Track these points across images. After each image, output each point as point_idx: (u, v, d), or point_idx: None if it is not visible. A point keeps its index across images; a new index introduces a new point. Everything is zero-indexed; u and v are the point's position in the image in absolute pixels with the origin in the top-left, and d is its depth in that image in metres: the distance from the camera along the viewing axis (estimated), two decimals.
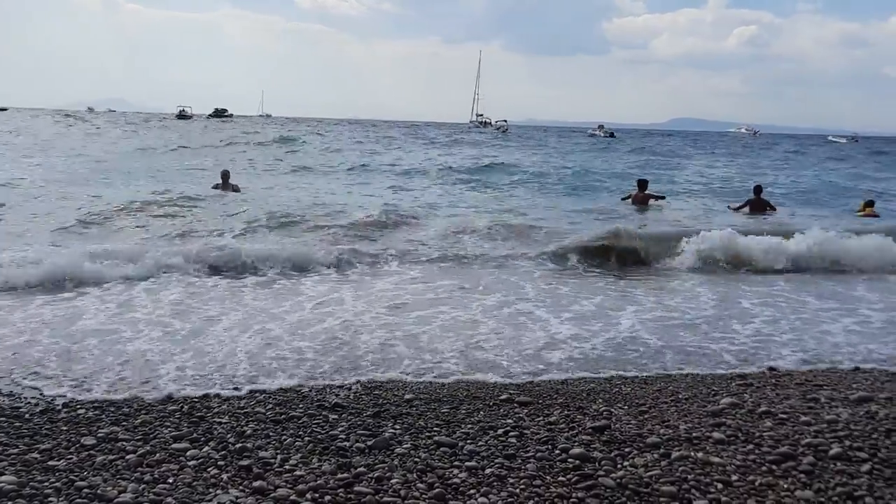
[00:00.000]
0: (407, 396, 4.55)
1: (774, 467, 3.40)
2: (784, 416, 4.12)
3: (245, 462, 3.48)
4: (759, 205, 15.74)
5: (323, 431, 3.89)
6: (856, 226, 12.62)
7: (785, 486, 3.20)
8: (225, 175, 16.61)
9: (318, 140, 46.40)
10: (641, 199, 16.41)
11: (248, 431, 3.90)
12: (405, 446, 3.70)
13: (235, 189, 16.40)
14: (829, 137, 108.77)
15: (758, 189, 16.35)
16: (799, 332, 6.49)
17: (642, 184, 17.00)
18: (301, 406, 4.35)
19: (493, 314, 6.90)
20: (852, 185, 25.94)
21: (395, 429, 3.95)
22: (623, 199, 17.20)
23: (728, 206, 16.90)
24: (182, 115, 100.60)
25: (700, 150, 55.50)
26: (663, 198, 16.88)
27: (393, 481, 3.28)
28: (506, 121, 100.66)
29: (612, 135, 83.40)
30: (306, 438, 3.79)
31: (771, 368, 5.40)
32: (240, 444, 3.69)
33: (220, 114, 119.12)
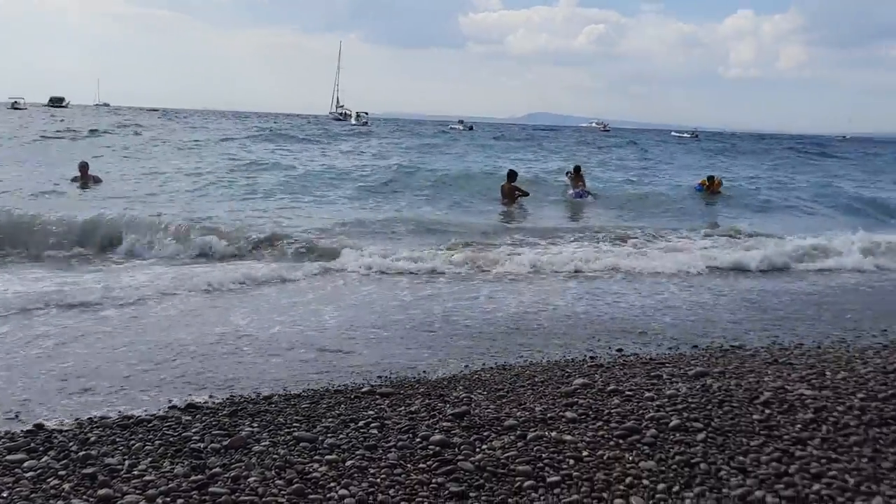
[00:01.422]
0: (265, 393, 4.45)
1: (621, 441, 3.58)
2: (630, 393, 4.36)
3: (89, 470, 3.27)
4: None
5: (175, 434, 3.73)
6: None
7: (630, 458, 3.39)
8: (84, 167, 16.27)
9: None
10: (508, 190, 16.77)
11: (93, 438, 3.68)
12: (263, 444, 3.60)
13: (97, 180, 16.26)
14: (673, 133, 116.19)
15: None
16: None
17: (511, 174, 17.38)
18: (151, 408, 4.16)
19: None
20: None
21: (253, 427, 3.85)
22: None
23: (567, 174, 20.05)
24: (15, 106, 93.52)
25: (557, 143, 57.77)
26: (527, 194, 17.07)
27: (250, 480, 3.19)
28: (366, 112, 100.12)
29: (470, 128, 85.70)
30: (157, 442, 3.62)
31: (619, 350, 5.72)
32: (83, 452, 3.47)
33: (56, 103, 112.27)
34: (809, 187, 25.16)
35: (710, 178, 21.52)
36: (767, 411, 3.89)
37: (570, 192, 18.66)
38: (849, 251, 10.85)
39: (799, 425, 3.69)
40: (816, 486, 3.05)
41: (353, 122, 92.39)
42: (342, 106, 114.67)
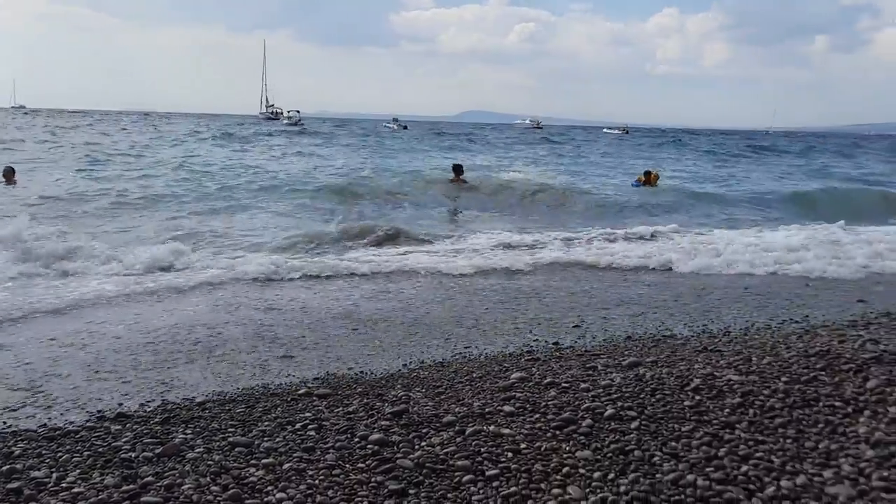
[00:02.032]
0: (199, 399, 4.36)
1: (558, 432, 3.64)
2: (566, 385, 4.42)
3: (14, 485, 3.16)
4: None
5: (105, 444, 3.62)
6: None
7: (567, 448, 3.45)
8: (9, 172, 16.96)
9: None
10: (456, 183, 18.29)
11: (17, 452, 3.55)
12: (198, 450, 3.53)
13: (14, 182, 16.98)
14: (605, 130, 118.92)
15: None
16: None
17: (457, 169, 18.80)
18: (78, 419, 4.02)
19: None
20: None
21: (187, 433, 3.77)
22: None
23: None
24: None
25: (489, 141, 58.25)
26: (474, 187, 18.44)
27: (184, 487, 3.13)
28: (298, 111, 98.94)
29: (405, 127, 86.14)
30: (86, 453, 3.51)
31: (555, 343, 5.80)
32: (7, 466, 3.34)
33: None
34: (748, 181, 26.13)
35: (647, 174, 22.16)
36: (698, 397, 4.00)
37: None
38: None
39: (727, 410, 3.80)
40: (744, 468, 3.16)
41: (285, 121, 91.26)
42: (272, 105, 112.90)
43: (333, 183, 19.95)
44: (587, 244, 11.53)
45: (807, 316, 6.74)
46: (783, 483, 3.03)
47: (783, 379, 4.22)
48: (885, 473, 3.07)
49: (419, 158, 32.65)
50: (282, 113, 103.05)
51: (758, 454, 3.29)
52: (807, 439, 3.44)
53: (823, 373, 4.31)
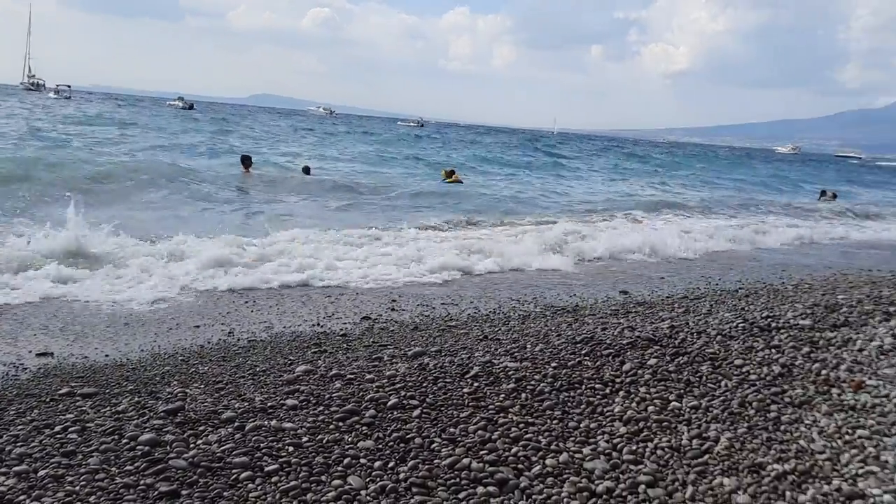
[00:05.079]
0: None
1: (341, 424, 3.64)
2: (352, 376, 4.43)
3: None
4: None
5: None
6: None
7: (349, 439, 3.46)
8: None
9: None
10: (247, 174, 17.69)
11: None
12: None
13: None
14: (399, 122, 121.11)
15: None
16: None
17: (246, 159, 18.11)
18: None
19: None
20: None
21: None
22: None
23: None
24: None
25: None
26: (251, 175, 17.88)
27: None
28: (68, 86, 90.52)
29: (191, 106, 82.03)
30: None
31: (343, 335, 5.81)
32: None
33: None
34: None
35: (451, 172, 23.01)
36: (476, 384, 4.19)
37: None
38: None
39: (502, 395, 4.02)
40: (515, 449, 3.36)
41: (53, 95, 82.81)
42: (34, 76, 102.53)
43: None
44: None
45: (577, 306, 7.29)
46: (548, 461, 3.26)
47: (553, 364, 4.53)
48: (634, 447, 3.40)
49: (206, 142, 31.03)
50: (44, 85, 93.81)
51: (527, 435, 3.50)
52: (570, 419, 3.72)
53: (587, 358, 4.68)
